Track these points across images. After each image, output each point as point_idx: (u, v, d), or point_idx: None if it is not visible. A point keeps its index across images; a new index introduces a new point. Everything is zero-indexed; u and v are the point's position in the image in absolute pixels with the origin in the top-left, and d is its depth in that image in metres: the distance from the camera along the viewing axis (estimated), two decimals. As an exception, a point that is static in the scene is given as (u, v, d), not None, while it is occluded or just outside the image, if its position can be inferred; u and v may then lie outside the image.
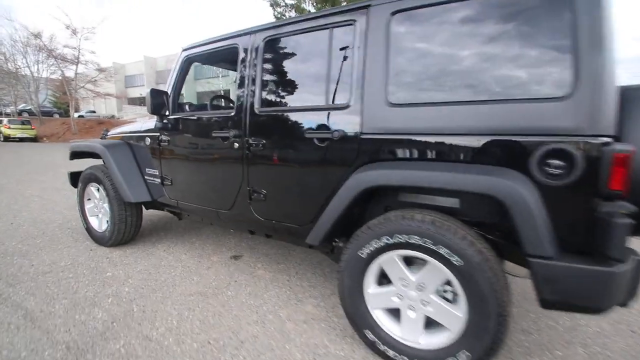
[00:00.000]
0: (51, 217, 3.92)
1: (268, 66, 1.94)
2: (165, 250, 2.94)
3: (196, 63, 2.56)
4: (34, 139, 20.33)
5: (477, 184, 1.24)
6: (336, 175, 1.66)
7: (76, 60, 22.79)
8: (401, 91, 1.50)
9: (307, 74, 1.80)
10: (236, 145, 2.02)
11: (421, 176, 1.36)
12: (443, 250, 1.31)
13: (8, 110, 29.01)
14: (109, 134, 3.17)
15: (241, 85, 2.02)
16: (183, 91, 2.55)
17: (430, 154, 1.43)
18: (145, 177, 2.75)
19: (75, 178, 3.16)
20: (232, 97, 3.03)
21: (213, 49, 2.22)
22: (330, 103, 1.68)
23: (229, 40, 2.11)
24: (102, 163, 2.88)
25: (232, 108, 2.08)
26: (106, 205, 2.87)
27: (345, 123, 1.62)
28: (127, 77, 38.66)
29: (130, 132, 2.87)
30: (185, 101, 2.55)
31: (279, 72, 1.92)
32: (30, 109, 28.24)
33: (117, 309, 1.97)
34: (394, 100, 1.50)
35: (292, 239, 2.05)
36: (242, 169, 2.03)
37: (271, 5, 13.62)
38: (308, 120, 1.74)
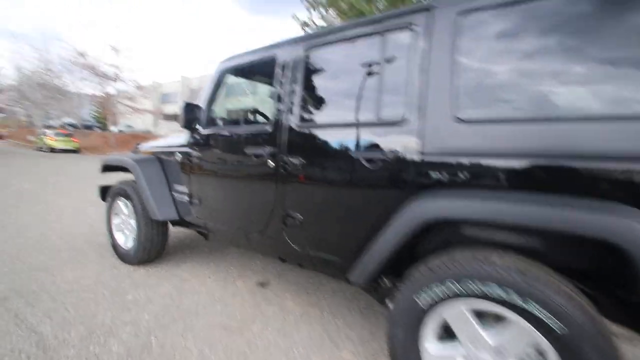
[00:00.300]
0: (81, 229, 3.89)
1: (310, 78, 1.77)
2: (190, 272, 2.77)
3: (232, 77, 2.44)
4: (75, 151, 21.51)
5: (589, 225, 0.96)
6: (387, 203, 1.41)
7: (117, 78, 24.24)
8: (474, 105, 1.25)
9: (354, 86, 1.60)
10: (271, 163, 1.83)
11: (506, 211, 1.09)
12: (533, 307, 1.02)
13: (54, 124, 31.15)
14: (140, 147, 3.11)
15: (279, 99, 1.85)
16: (214, 107, 2.44)
17: (510, 181, 1.16)
18: (173, 193, 2.63)
19: (105, 192, 3.10)
20: (268, 112, 2.91)
21: (251, 61, 2.09)
22: (382, 118, 1.46)
23: (268, 52, 1.97)
24: (132, 178, 2.80)
25: (268, 123, 1.92)
26: (133, 222, 2.76)
27: (401, 141, 1.39)
28: (164, 94, 40.74)
29: (162, 147, 2.78)
30: (218, 116, 2.43)
31: (322, 84, 1.74)
32: (73, 123, 30.19)
33: (134, 341, 1.78)
34: (464, 116, 1.26)
35: (330, 272, 1.80)
36: (276, 190, 1.83)
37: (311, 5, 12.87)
38: (355, 138, 1.52)
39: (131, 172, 2.71)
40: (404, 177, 1.37)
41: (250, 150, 1.95)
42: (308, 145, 1.70)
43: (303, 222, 1.74)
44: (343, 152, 1.55)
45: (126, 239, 2.90)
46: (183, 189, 2.53)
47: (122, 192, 2.81)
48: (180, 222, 2.68)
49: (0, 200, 5.31)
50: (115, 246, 2.97)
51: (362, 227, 1.50)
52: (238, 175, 2.10)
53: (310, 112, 1.74)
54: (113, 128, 26.70)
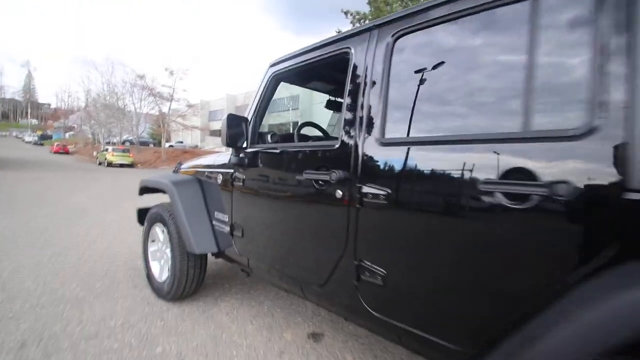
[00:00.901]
0: (120, 250, 3.68)
1: (402, 73, 1.26)
2: (229, 314, 2.33)
3: (285, 82, 2.02)
4: (130, 165, 22.98)
5: None
6: (550, 270, 0.84)
7: (171, 98, 25.82)
8: None
9: (478, 79, 1.06)
10: (339, 193, 1.33)
11: None
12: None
13: (115, 140, 33.86)
14: (182, 167, 2.80)
15: (353, 104, 1.36)
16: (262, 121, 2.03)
17: None
18: (214, 222, 2.23)
19: (142, 215, 2.80)
20: (331, 126, 2.48)
21: (311, 60, 1.63)
22: (540, 129, 0.90)
23: (338, 45, 1.50)
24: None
25: (334, 140, 1.43)
26: (168, 251, 2.40)
27: (579, 166, 0.82)
28: (211, 112, 42.88)
29: (204, 167, 2.43)
30: (267, 131, 2.02)
31: (423, 80, 1.21)
32: (131, 139, 32.58)
33: None
34: None
35: (435, 358, 1.22)
36: (346, 230, 1.32)
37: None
38: (485, 160, 0.97)
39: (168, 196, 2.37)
40: (590, 230, 0.79)
41: (309, 174, 1.48)
42: (400, 168, 1.17)
43: (388, 280, 1.20)
44: (463, 183, 1.01)
45: (161, 270, 2.55)
46: (223, 217, 2.12)
47: (158, 217, 2.48)
48: (221, 255, 2.27)
49: (51, 216, 5.38)
50: (149, 277, 2.63)
51: (503, 304, 0.94)
52: (291, 206, 1.64)
53: (404, 122, 1.22)
54: (166, 144, 28.32)
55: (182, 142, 39.06)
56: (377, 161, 1.23)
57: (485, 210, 0.95)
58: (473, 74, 1.07)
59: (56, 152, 35.57)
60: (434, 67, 1.15)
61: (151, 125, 34.54)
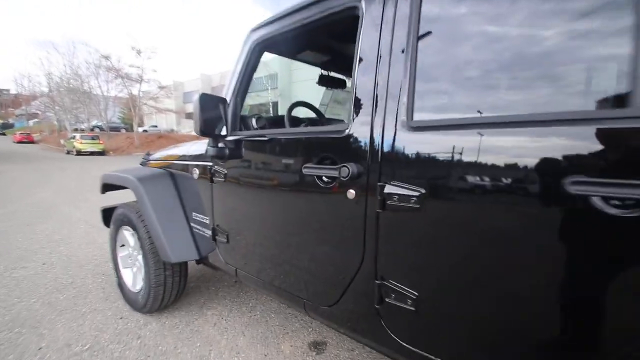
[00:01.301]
0: (89, 253, 3.29)
1: (438, 33, 0.93)
2: (217, 325, 2.05)
3: (270, 53, 1.66)
4: (101, 153, 21.73)
5: None
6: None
7: (140, 79, 24.28)
8: None
9: (555, 37, 0.76)
10: (352, 193, 1.03)
11: None
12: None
13: (83, 126, 31.92)
14: (151, 158, 2.40)
15: (366, 77, 1.04)
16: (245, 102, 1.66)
17: None
18: (192, 224, 1.90)
19: (108, 216, 2.42)
20: (322, 106, 2.14)
21: (304, 22, 1.27)
22: None
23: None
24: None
25: (339, 122, 1.11)
26: (140, 258, 2.06)
27: None
28: (185, 93, 40.92)
29: (177, 158, 2.06)
30: (250, 114, 1.67)
31: (468, 41, 0.89)
32: (100, 125, 30.79)
33: None
34: None
35: None
36: (362, 242, 1.04)
37: None
38: (573, 149, 0.69)
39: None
40: None
41: (310, 169, 1.16)
42: (438, 163, 0.88)
43: (423, 305, 0.93)
44: (532, 180, 0.72)
45: (134, 279, 2.22)
46: (203, 218, 1.79)
47: (125, 219, 2.11)
48: (203, 262, 1.95)
49: (12, 216, 4.85)
50: (121, 285, 2.29)
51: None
52: (287, 209, 1.33)
53: (443, 96, 0.92)
54: (138, 129, 26.90)
55: (156, 127, 37.33)
56: (406, 152, 0.93)
57: (574, 221, 0.67)
58: (548, 29, 0.76)
59: (20, 142, 33.32)
60: (487, 23, 0.84)
61: (122, 109, 32.71)
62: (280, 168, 1.34)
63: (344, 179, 1.04)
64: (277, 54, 1.80)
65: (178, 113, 36.33)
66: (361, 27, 1.06)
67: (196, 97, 1.39)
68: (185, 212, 1.95)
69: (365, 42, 1.05)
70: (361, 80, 1.05)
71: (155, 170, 2.15)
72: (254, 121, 1.63)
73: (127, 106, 28.09)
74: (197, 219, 1.86)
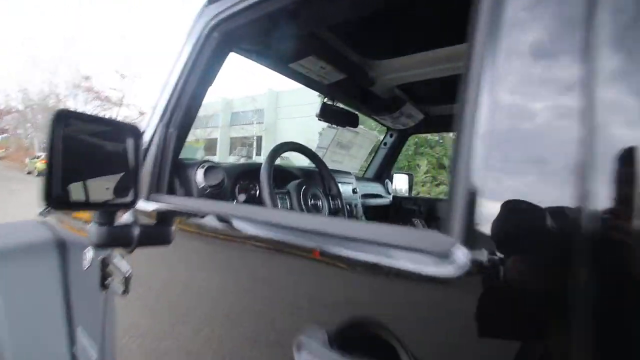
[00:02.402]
0: None
1: None
2: None
3: (238, 52, 0.92)
4: (66, 176, 20.07)
5: None
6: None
7: (120, 103, 23.44)
8: None
9: None
10: None
11: None
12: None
13: (53, 147, 29.96)
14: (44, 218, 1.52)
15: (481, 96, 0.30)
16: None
17: None
18: (75, 351, 1.03)
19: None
20: (320, 149, 1.41)
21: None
22: None
23: None
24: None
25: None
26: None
27: None
28: (168, 120, 39.90)
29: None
30: (197, 160, 0.91)
31: None
32: (73, 146, 29.08)
33: None
34: None
35: None
36: None
37: None
38: None
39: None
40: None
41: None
42: None
43: None
44: None
45: None
46: (90, 348, 0.93)
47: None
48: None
49: None
50: None
51: None
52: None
53: None
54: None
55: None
56: None
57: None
58: None
59: (-21, 158, 30.88)
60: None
61: (98, 132, 31.24)
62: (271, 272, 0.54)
63: None
64: (254, 58, 1.04)
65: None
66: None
67: (51, 117, 0.60)
68: (71, 325, 1.08)
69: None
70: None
71: (43, 234, 1.29)
72: (198, 174, 0.85)
73: (104, 129, 26.80)
74: (83, 342, 0.99)
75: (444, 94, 1.55)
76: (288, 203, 0.95)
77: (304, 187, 1.00)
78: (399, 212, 2.00)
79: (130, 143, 0.74)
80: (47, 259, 1.18)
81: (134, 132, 0.74)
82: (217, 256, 0.68)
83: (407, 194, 2.17)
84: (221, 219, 0.63)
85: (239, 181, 1.02)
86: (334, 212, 1.11)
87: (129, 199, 0.74)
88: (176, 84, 0.78)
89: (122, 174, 0.75)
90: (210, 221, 0.66)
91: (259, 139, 23.81)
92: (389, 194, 1.97)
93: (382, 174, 2.04)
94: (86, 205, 0.71)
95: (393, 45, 1.12)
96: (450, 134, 7.47)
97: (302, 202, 0.95)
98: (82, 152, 0.70)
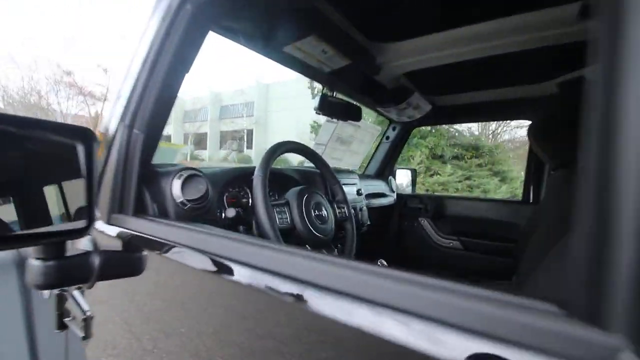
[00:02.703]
0: None
1: None
2: None
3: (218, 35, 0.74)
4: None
5: None
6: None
7: (104, 98, 22.75)
8: None
9: None
10: None
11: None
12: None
13: (36, 145, 29.13)
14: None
15: None
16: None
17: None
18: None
19: None
20: (319, 146, 1.25)
21: None
22: None
23: None
24: None
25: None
26: None
27: None
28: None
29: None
30: (174, 166, 0.73)
31: None
32: (57, 144, 28.28)
33: None
34: None
35: None
36: None
37: None
38: None
39: None
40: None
41: None
42: None
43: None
44: None
45: None
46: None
47: None
48: None
49: None
50: None
51: None
52: None
53: None
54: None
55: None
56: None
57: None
58: None
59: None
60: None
61: (83, 129, 30.35)
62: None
63: None
64: (240, 40, 0.84)
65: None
66: None
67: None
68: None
69: None
70: None
71: None
72: (175, 186, 0.67)
73: (89, 125, 26.10)
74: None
75: (455, 81, 1.39)
76: (287, 216, 0.79)
77: (305, 195, 0.84)
78: (403, 211, 1.85)
79: (80, 151, 0.57)
80: (4, 280, 1.00)
81: (85, 136, 0.57)
82: (202, 290, 0.52)
83: (410, 191, 2.02)
84: (203, 252, 0.47)
85: (227, 190, 0.85)
86: (341, 222, 0.95)
87: (80, 224, 0.57)
88: (140, 73, 0.61)
89: (72, 191, 0.58)
90: (190, 253, 0.49)
91: (250, 132, 23.45)
92: (393, 192, 1.82)
93: (385, 170, 1.89)
94: (18, 240, 0.54)
95: (405, 25, 0.95)
96: (445, 125, 7.35)
97: (304, 214, 0.79)
98: (11, 166, 0.53)
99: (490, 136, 11.95)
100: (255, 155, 20.27)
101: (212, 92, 24.79)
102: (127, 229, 0.59)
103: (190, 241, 0.49)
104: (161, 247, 0.53)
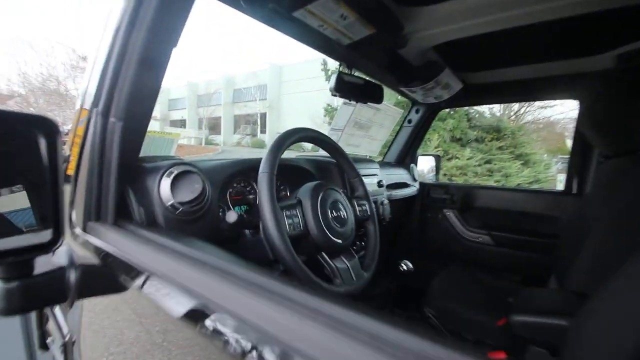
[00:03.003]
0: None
1: None
2: None
3: None
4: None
5: None
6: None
7: (120, 83, 22.99)
8: None
9: None
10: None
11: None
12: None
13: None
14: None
15: None
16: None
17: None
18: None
19: None
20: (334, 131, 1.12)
21: None
22: None
23: None
24: None
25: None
26: None
27: None
28: (171, 100, 39.23)
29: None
30: (167, 159, 0.62)
31: None
32: (76, 129, 28.96)
33: None
34: None
35: None
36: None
37: None
38: None
39: None
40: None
41: None
42: None
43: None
44: None
45: None
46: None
47: None
48: None
49: None
50: None
51: None
52: None
53: None
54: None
55: (138, 133, 35.45)
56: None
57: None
58: None
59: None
60: None
61: (101, 114, 30.87)
62: None
63: None
64: (239, 6, 0.70)
65: (163, 120, 34.80)
66: None
67: None
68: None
69: None
70: None
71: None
72: (163, 186, 0.56)
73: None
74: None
75: (491, 54, 1.21)
76: (300, 220, 0.67)
77: (321, 194, 0.72)
78: (426, 202, 1.71)
79: (42, 144, 0.46)
80: None
81: (45, 126, 0.46)
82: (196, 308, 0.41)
83: (432, 179, 1.86)
84: (185, 290, 0.36)
85: (231, 185, 0.74)
86: (362, 221, 0.82)
87: (45, 237, 0.46)
88: (111, 48, 0.48)
89: (33, 195, 0.47)
90: (168, 291, 0.38)
91: (263, 115, 23.31)
92: (415, 180, 1.67)
93: (406, 157, 1.74)
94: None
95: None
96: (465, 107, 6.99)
97: (319, 216, 0.66)
98: None
99: (513, 117, 11.41)
100: (269, 139, 20.18)
101: (224, 75, 24.62)
102: (104, 241, 0.48)
103: (171, 272, 0.38)
104: (136, 275, 0.41)
